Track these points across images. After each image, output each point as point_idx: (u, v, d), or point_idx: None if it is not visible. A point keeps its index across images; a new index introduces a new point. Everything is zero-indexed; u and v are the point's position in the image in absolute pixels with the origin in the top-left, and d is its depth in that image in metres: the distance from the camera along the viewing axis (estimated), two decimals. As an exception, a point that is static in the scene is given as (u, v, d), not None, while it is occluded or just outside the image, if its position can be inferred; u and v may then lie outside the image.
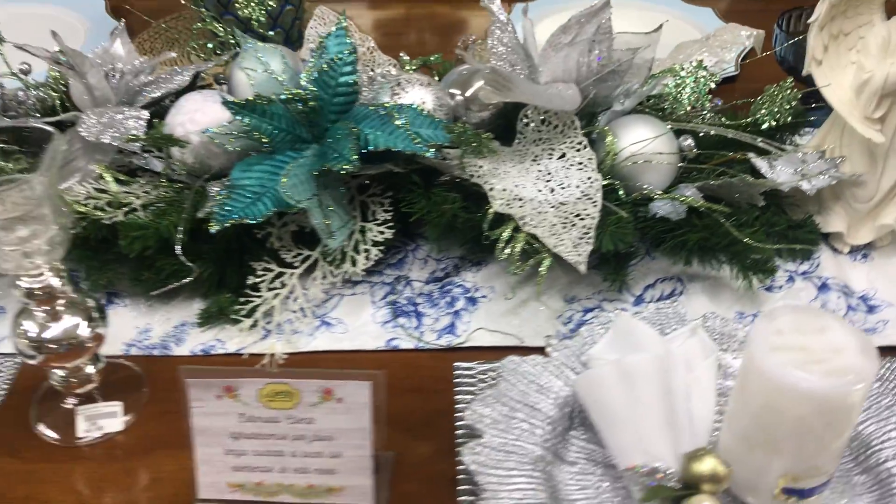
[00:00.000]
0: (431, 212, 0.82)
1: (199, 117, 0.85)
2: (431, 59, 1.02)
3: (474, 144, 0.82)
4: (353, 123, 0.83)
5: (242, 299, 0.82)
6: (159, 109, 0.91)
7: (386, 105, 0.84)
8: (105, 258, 0.83)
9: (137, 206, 0.83)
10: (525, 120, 0.89)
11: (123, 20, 0.99)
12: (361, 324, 0.83)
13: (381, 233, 0.83)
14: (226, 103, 0.80)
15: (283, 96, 0.82)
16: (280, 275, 0.83)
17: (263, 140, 0.82)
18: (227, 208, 0.79)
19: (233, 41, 0.99)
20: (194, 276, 0.80)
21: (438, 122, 0.84)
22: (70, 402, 0.74)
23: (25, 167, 0.83)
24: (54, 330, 0.69)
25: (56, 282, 0.67)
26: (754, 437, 0.63)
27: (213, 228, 0.78)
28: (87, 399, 0.74)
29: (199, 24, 1.01)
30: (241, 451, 0.65)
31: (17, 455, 0.71)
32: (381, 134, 0.81)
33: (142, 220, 0.80)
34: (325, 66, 0.84)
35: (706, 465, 0.62)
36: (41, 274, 0.66)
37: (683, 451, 0.65)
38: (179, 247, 0.79)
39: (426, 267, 0.89)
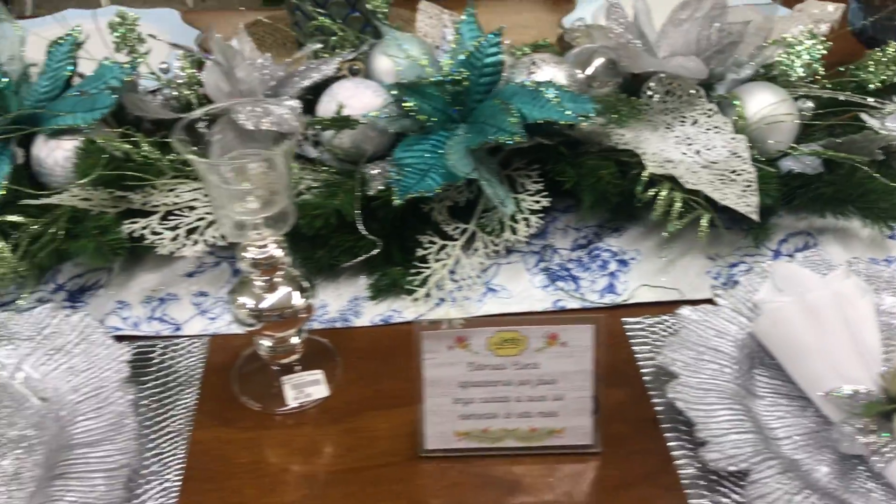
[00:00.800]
0: (585, 179, 0.86)
1: (354, 103, 0.89)
2: (542, 42, 1.07)
3: (623, 112, 0.87)
4: (504, 100, 0.87)
5: (413, 271, 0.85)
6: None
7: (536, 82, 0.89)
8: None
9: (303, 189, 0.86)
10: (649, 92, 0.95)
11: (242, 24, 1.02)
12: (523, 289, 0.87)
13: (538, 202, 0.87)
14: (392, 86, 0.85)
15: (437, 78, 0.87)
16: (443, 247, 0.87)
17: (423, 120, 0.87)
18: (402, 184, 0.83)
19: (350, 38, 1.03)
20: (378, 249, 0.83)
21: (580, 96, 0.89)
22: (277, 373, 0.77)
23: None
24: (271, 300, 0.72)
25: (279, 253, 0.70)
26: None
27: (396, 202, 0.82)
28: (288, 370, 0.78)
29: (313, 23, 1.05)
30: (468, 400, 0.69)
31: (232, 425, 0.74)
32: (534, 108, 0.86)
33: (317, 200, 0.84)
34: (472, 48, 0.89)
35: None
36: (265, 245, 0.70)
37: (876, 373, 0.70)
38: (360, 223, 0.83)
39: (567, 236, 0.93)
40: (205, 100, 0.96)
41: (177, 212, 0.86)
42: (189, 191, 0.88)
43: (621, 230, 0.93)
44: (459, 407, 0.69)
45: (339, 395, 0.77)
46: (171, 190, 0.87)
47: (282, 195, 0.67)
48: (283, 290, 0.72)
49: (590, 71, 0.98)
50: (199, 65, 0.99)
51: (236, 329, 0.82)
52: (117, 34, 0.95)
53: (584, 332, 0.67)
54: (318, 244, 0.85)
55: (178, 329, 0.83)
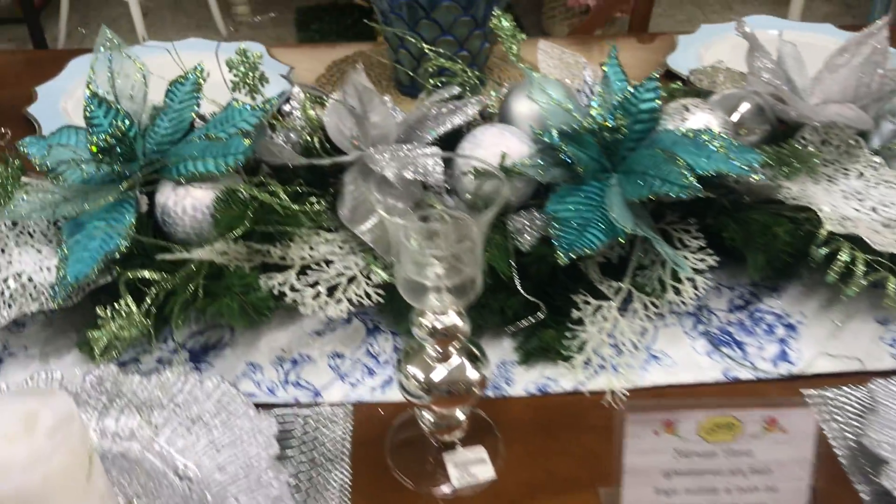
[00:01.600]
0: (756, 237, 0.80)
1: (499, 150, 0.83)
2: (676, 86, 1.01)
3: (796, 165, 0.80)
4: (664, 149, 0.81)
5: (567, 334, 0.79)
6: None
7: (693, 130, 0.82)
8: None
9: (448, 243, 0.80)
10: (803, 141, 0.89)
11: (360, 64, 0.96)
12: (685, 355, 0.80)
13: (702, 259, 0.81)
14: (543, 134, 0.79)
15: (593, 125, 0.81)
16: (598, 308, 0.80)
17: (579, 170, 0.80)
18: (563, 240, 0.76)
19: (472, 80, 0.97)
20: (543, 314, 0.77)
21: (742, 146, 0.83)
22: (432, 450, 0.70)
23: (326, 208, 0.80)
24: (443, 371, 0.65)
25: (459, 322, 0.63)
26: None
27: (562, 260, 0.75)
28: (447, 444, 0.71)
29: (433, 62, 0.98)
30: (672, 490, 0.62)
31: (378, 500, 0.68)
32: (699, 158, 0.80)
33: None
34: (627, 93, 0.83)
35: None
36: (446, 313, 0.63)
37: None
38: (518, 282, 0.76)
39: (721, 295, 0.87)
40: (328, 144, 0.90)
41: (313, 266, 0.79)
42: (324, 243, 0.81)
43: (779, 289, 0.87)
44: (662, 498, 0.62)
45: (508, 477, 0.69)
46: (305, 242, 0.80)
47: (471, 263, 0.60)
48: (456, 361, 0.65)
49: (736, 117, 0.92)
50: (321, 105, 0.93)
51: (384, 397, 0.75)
52: (237, 73, 0.89)
53: (804, 416, 0.60)
54: (482, 306, 0.78)
55: (317, 396, 0.77)
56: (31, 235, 0.80)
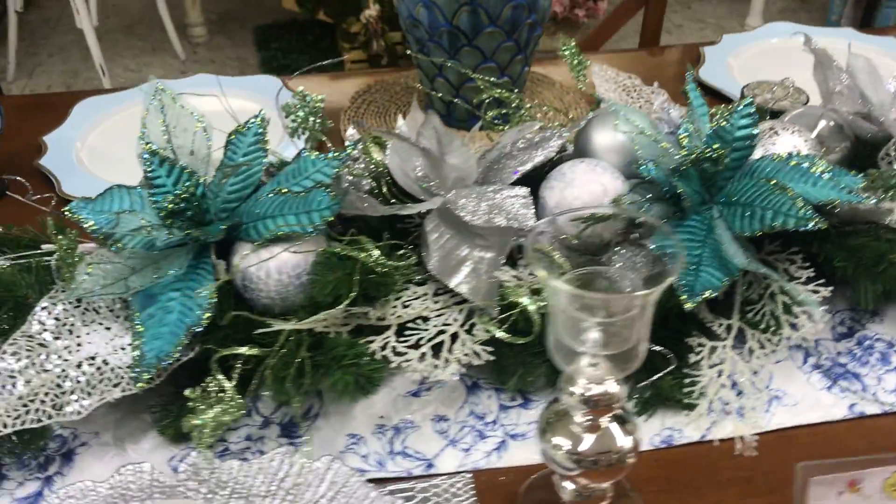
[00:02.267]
0: (870, 266, 0.77)
1: (593, 188, 0.78)
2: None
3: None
4: (769, 178, 0.77)
5: (687, 380, 0.74)
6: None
7: (794, 156, 0.79)
8: (520, 352, 0.74)
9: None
10: (888, 158, 0.86)
11: (416, 107, 0.90)
12: (805, 393, 0.77)
13: (816, 291, 0.77)
14: (642, 167, 0.74)
15: (692, 156, 0.76)
16: (713, 349, 0.76)
17: (686, 204, 0.76)
18: (683, 283, 0.72)
19: (530, 112, 0.93)
20: (673, 364, 0.72)
21: (843, 170, 0.80)
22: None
23: (415, 262, 0.75)
24: (591, 441, 0.60)
25: (616, 391, 0.58)
26: None
27: (689, 306, 0.71)
28: (587, 514, 0.66)
29: (486, 93, 0.93)
30: (856, 552, 0.58)
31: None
32: (807, 186, 0.76)
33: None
34: (723, 121, 0.79)
35: None
36: (602, 382, 0.58)
37: None
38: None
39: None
40: (395, 188, 0.84)
41: (410, 325, 0.74)
42: (416, 298, 0.76)
43: (880, 313, 0.84)
44: (847, 562, 0.58)
45: (659, 544, 0.65)
46: (397, 298, 0.75)
47: (636, 333, 0.55)
48: (606, 429, 0.60)
49: (813, 135, 0.89)
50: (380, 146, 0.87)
51: (501, 462, 0.70)
52: (295, 118, 0.83)
53: None
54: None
55: (430, 466, 0.71)
56: (98, 312, 0.73)
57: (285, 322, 0.68)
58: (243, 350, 0.68)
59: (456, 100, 1.09)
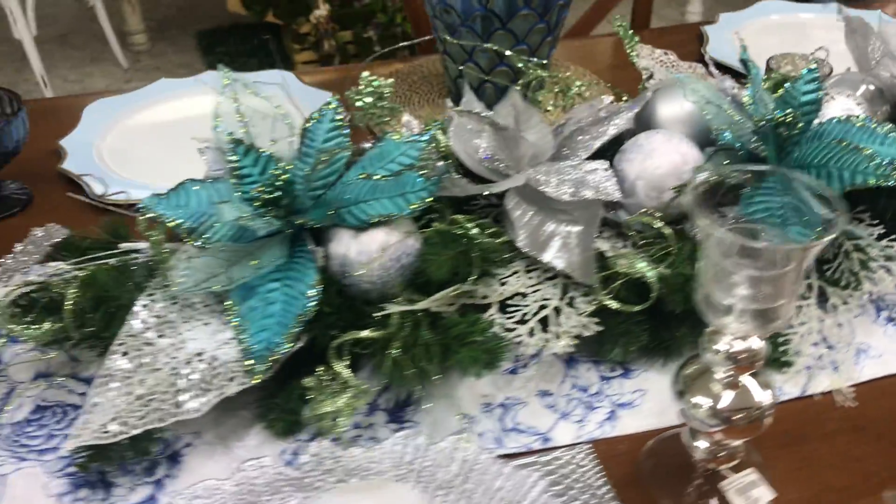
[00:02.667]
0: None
1: (674, 158, 0.79)
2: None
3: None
4: (835, 139, 0.80)
5: (780, 339, 0.76)
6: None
7: (853, 117, 0.82)
8: (622, 322, 0.75)
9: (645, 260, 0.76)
10: (929, 118, 0.90)
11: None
12: (885, 345, 0.80)
13: (889, 246, 0.80)
14: (722, 134, 0.76)
15: (772, 120, 0.78)
16: (799, 308, 0.78)
17: (764, 169, 0.78)
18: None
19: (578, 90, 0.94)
20: None
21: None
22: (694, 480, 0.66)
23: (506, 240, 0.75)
24: (730, 398, 0.61)
25: (761, 348, 0.60)
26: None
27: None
28: (713, 472, 0.67)
29: (532, 75, 0.94)
30: None
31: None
32: (875, 146, 0.79)
33: (676, 271, 0.73)
34: (787, 85, 0.81)
35: None
36: (747, 338, 0.59)
37: None
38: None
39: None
40: (461, 170, 0.84)
41: (509, 302, 0.74)
42: (509, 275, 0.76)
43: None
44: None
45: (786, 496, 0.66)
46: (493, 276, 0.74)
47: (786, 290, 0.57)
48: (745, 387, 0.62)
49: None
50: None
51: (615, 431, 0.71)
52: (363, 102, 0.82)
53: None
54: (680, 321, 0.75)
55: (547, 440, 0.71)
56: (194, 308, 0.71)
57: (401, 304, 0.67)
58: (365, 333, 0.67)
59: (478, 85, 1.10)
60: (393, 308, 0.68)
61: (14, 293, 0.70)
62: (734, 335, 0.59)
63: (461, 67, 1.11)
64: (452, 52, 1.11)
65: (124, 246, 0.76)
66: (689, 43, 1.33)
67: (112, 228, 0.79)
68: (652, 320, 0.75)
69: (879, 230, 0.81)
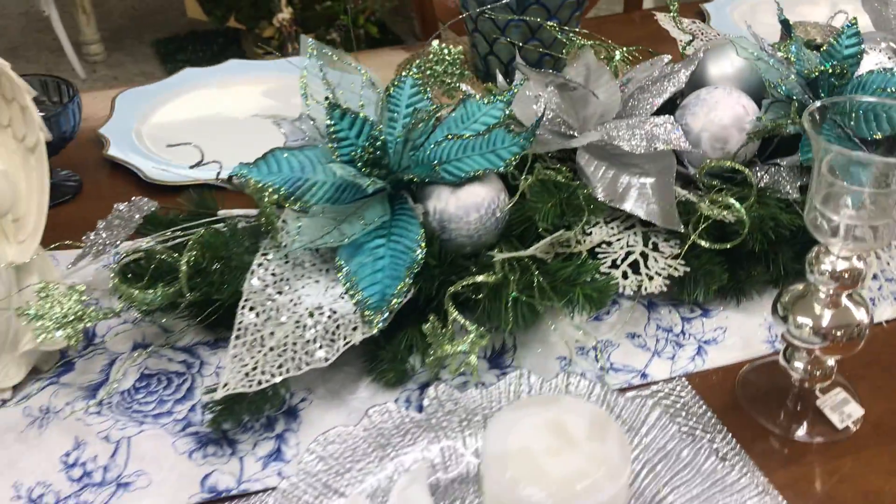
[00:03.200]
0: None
1: (736, 111, 0.84)
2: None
3: None
4: (879, 87, 0.86)
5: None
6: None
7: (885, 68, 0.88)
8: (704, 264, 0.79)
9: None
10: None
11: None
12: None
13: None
14: (778, 87, 0.82)
15: (826, 71, 0.84)
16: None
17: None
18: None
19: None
20: None
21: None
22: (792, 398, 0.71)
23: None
24: (832, 316, 0.66)
25: (861, 266, 0.64)
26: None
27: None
28: (807, 393, 0.72)
29: (577, 44, 0.98)
30: None
31: (797, 462, 0.68)
32: (920, 95, 0.85)
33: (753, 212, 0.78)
34: (830, 40, 0.87)
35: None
36: (851, 258, 0.64)
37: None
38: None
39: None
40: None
41: (598, 250, 0.78)
42: (593, 225, 0.79)
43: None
44: None
45: (873, 412, 0.71)
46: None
47: (889, 210, 0.62)
48: (843, 306, 0.67)
49: (878, 57, 0.99)
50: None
51: (705, 366, 0.75)
52: (432, 70, 0.85)
53: None
54: (757, 261, 0.79)
55: (644, 376, 0.75)
56: (304, 267, 0.73)
57: (507, 252, 0.71)
58: (481, 278, 0.70)
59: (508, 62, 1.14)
60: (501, 255, 0.71)
61: (124, 261, 0.71)
62: (839, 255, 0.64)
63: (491, 46, 1.15)
64: (484, 29, 1.14)
65: (222, 213, 0.77)
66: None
67: (200, 201, 0.81)
68: (729, 262, 0.79)
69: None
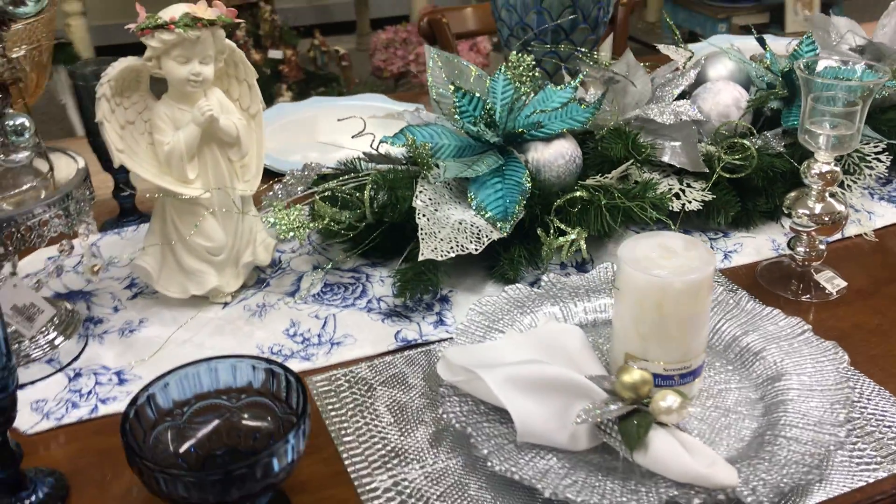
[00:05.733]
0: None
1: (734, 92, 1.17)
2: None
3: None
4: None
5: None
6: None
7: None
8: (725, 195, 1.10)
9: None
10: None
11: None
12: (882, 210, 1.18)
13: (876, 145, 1.19)
14: (764, 77, 1.14)
15: (798, 63, 1.17)
16: (827, 187, 1.16)
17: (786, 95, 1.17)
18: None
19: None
20: None
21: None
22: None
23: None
24: (820, 206, 0.97)
25: (838, 168, 0.96)
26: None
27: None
28: (805, 275, 1.01)
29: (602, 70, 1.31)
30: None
31: (793, 310, 0.97)
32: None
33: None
34: (795, 45, 1.21)
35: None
36: (830, 162, 0.95)
37: None
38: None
39: None
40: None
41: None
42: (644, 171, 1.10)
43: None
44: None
45: (852, 283, 1.01)
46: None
47: (856, 125, 0.93)
48: (829, 200, 0.97)
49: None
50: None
51: (734, 264, 1.05)
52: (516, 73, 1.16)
53: None
54: (758, 194, 1.10)
55: (690, 271, 1.04)
56: (444, 196, 1.02)
57: (589, 182, 1.01)
58: (580, 193, 0.99)
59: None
60: (588, 182, 1.01)
61: (322, 192, 1.00)
62: (823, 161, 0.95)
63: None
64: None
65: (380, 167, 1.06)
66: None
67: (352, 163, 1.10)
68: (739, 197, 1.10)
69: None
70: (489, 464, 0.72)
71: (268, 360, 0.71)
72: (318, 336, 0.94)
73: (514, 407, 0.74)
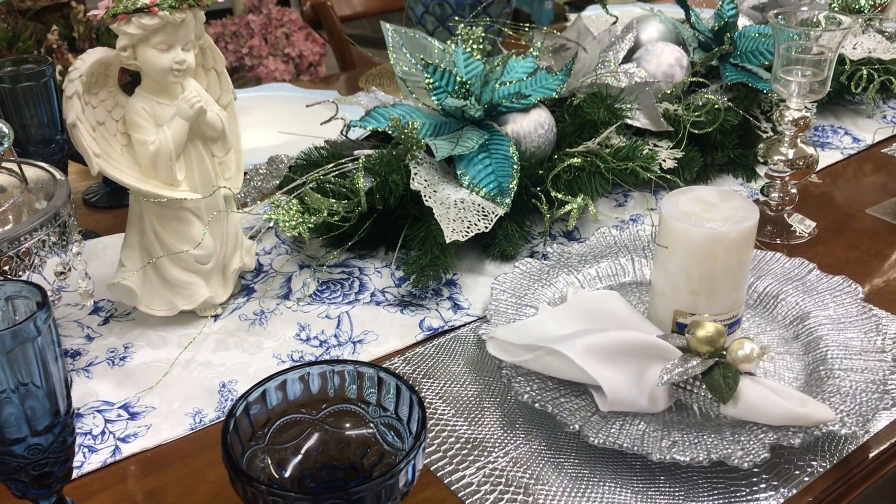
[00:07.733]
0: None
1: (673, 54, 1.20)
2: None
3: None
4: (755, 34, 1.25)
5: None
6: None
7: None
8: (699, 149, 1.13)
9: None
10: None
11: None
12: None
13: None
14: (697, 36, 1.19)
15: (723, 25, 1.22)
16: (766, 137, 1.22)
17: (722, 52, 1.22)
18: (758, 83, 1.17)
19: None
20: None
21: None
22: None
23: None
24: (794, 151, 1.02)
25: (809, 114, 1.00)
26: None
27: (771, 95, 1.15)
28: (780, 218, 1.06)
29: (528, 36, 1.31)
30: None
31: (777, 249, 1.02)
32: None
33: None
34: (718, 6, 1.26)
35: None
36: (801, 109, 1.00)
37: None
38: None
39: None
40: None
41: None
42: (609, 131, 1.11)
43: None
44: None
45: (821, 224, 1.07)
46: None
47: (826, 71, 0.98)
48: (800, 146, 1.02)
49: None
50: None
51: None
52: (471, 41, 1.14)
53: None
54: (716, 148, 1.14)
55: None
56: (435, 176, 0.98)
57: (580, 149, 1.00)
58: (575, 160, 0.98)
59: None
60: (580, 148, 1.00)
61: (311, 182, 0.92)
62: (795, 108, 0.99)
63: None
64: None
65: (357, 152, 1.00)
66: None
67: (336, 146, 1.03)
68: (701, 152, 1.13)
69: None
70: (587, 437, 0.70)
71: (368, 365, 0.65)
72: (336, 336, 0.87)
73: (603, 377, 0.73)
